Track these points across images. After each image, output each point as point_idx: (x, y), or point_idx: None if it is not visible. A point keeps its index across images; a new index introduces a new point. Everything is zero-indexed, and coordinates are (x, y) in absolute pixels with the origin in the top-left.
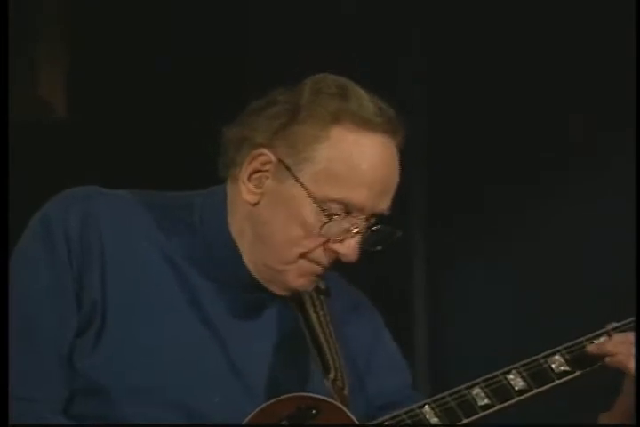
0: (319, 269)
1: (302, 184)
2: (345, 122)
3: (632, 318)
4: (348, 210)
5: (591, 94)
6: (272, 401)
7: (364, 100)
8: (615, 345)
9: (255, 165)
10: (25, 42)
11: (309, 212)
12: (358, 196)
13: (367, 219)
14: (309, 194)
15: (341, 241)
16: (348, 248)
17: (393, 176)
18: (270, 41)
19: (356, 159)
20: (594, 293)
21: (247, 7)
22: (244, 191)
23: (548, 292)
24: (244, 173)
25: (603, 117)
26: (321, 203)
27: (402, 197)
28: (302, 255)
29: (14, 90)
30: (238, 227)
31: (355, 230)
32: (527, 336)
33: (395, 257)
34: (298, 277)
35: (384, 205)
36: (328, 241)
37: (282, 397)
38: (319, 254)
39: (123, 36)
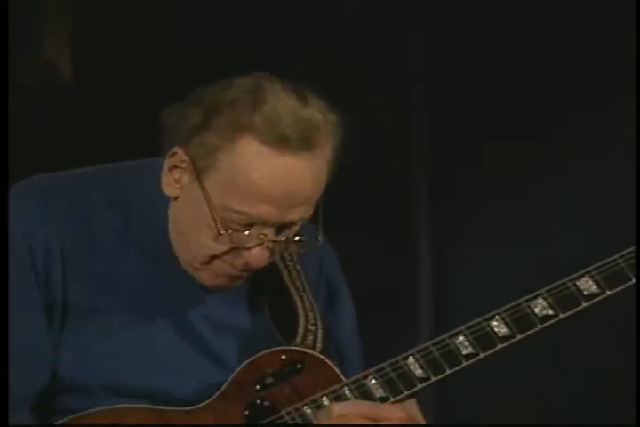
0: (235, 272)
1: (205, 190)
2: (250, 136)
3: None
4: (252, 222)
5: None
6: (256, 356)
7: (279, 113)
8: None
9: (172, 160)
10: (29, 10)
11: (212, 219)
12: (257, 211)
13: (278, 229)
14: (209, 202)
15: (249, 249)
16: (255, 258)
17: (303, 191)
18: (270, 41)
19: (255, 175)
20: (594, 250)
21: (247, 7)
22: (163, 184)
23: (548, 251)
24: (165, 166)
25: (603, 74)
26: (223, 212)
27: (405, 158)
28: (214, 257)
29: (20, 55)
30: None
31: (259, 242)
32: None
33: (397, 220)
34: (213, 277)
35: (294, 216)
36: (234, 247)
37: (266, 351)
38: (231, 258)
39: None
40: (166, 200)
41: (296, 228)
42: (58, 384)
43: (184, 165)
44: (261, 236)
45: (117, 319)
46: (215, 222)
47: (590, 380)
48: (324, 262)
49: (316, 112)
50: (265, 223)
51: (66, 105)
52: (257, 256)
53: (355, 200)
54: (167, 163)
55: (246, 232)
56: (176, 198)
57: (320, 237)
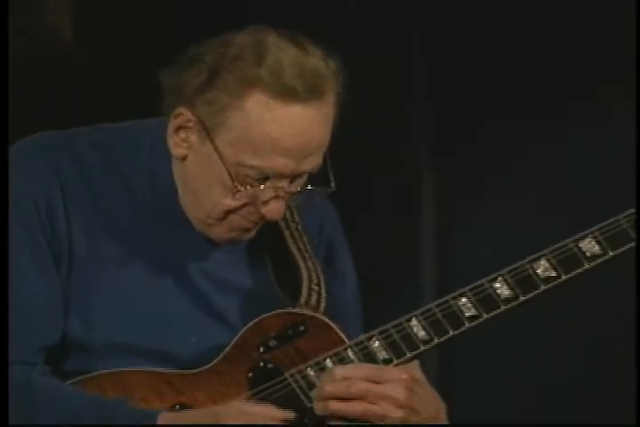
0: (250, 224)
1: (217, 148)
2: (259, 91)
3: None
4: (266, 176)
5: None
6: (259, 318)
7: (283, 65)
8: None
9: (178, 121)
10: None
11: (226, 175)
12: (273, 164)
13: (291, 180)
14: (223, 160)
15: (264, 203)
16: (271, 211)
17: (315, 140)
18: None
19: (268, 128)
20: (594, 216)
21: (247, 7)
22: (171, 144)
23: (549, 220)
24: (170, 128)
25: (603, 47)
26: (237, 168)
27: (407, 126)
28: (229, 212)
29: (21, 18)
30: (178, 175)
31: (275, 194)
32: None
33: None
34: (228, 231)
35: (307, 167)
36: (251, 201)
37: (269, 314)
38: (246, 212)
39: None
40: (168, 158)
41: (305, 177)
42: (66, 344)
43: (191, 125)
44: (277, 189)
45: (120, 276)
46: (232, 180)
47: (590, 352)
48: (324, 223)
49: (318, 60)
50: (280, 176)
51: (66, 66)
52: (274, 209)
53: (356, 168)
54: (173, 124)
55: (262, 186)
56: (184, 158)
57: (332, 184)
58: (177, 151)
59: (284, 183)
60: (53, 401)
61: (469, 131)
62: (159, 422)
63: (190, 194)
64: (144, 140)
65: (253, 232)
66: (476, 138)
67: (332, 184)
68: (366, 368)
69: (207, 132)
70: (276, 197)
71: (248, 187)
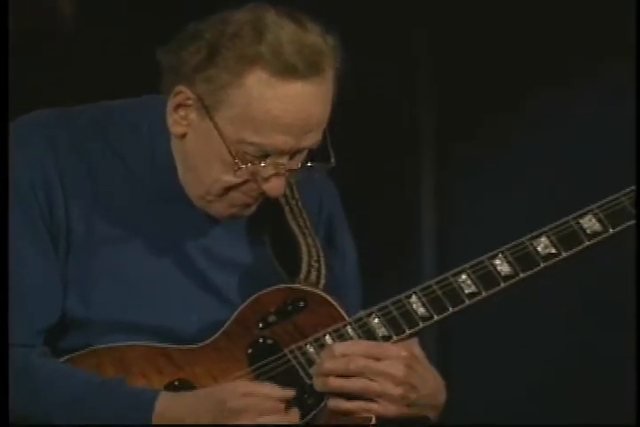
0: (251, 200)
1: (217, 126)
2: (259, 68)
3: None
4: (267, 153)
5: None
6: (259, 294)
7: (283, 42)
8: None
9: (177, 99)
10: None
11: (226, 153)
12: (274, 141)
13: (291, 157)
14: (223, 137)
15: (265, 179)
16: (272, 188)
17: (315, 116)
18: None
19: (269, 105)
20: (594, 188)
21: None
22: (170, 122)
23: (550, 197)
24: (169, 105)
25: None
26: (237, 145)
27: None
28: (229, 188)
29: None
30: (177, 153)
31: (276, 171)
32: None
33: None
34: (228, 207)
35: (307, 143)
36: (252, 178)
37: (268, 289)
38: (247, 188)
39: None
40: (167, 136)
41: (305, 154)
42: (65, 321)
43: (190, 103)
44: (278, 165)
45: (119, 254)
46: (233, 157)
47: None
48: (324, 200)
49: (317, 36)
50: (280, 153)
51: (67, 43)
52: (275, 186)
53: (357, 140)
54: (172, 102)
55: (262, 164)
56: (183, 136)
57: (332, 159)
58: (176, 129)
59: (284, 160)
60: (52, 383)
61: (472, 104)
62: (158, 403)
63: (190, 171)
64: (143, 118)
65: (254, 208)
66: (479, 113)
67: (332, 160)
68: (365, 345)
69: (207, 109)
70: (277, 173)
71: (249, 164)
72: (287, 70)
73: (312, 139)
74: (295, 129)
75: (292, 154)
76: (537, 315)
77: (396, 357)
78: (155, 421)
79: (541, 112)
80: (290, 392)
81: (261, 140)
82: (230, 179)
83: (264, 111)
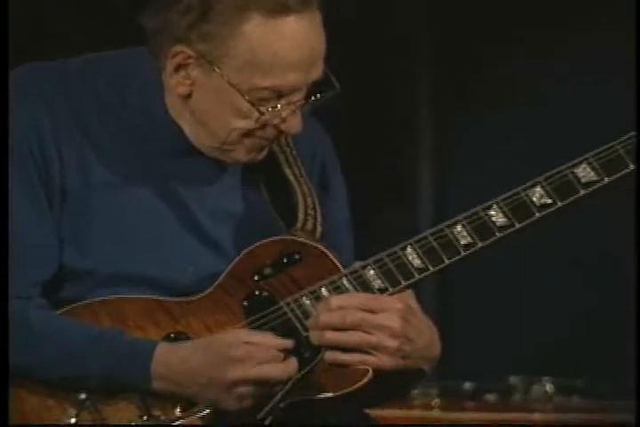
0: (266, 143)
1: (226, 78)
2: (254, 12)
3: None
4: (280, 93)
5: None
6: (254, 246)
7: None
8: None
9: (177, 60)
10: None
11: (240, 103)
12: (287, 80)
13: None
14: (235, 87)
15: (283, 120)
16: (292, 127)
17: (316, 49)
18: None
19: (275, 47)
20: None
21: None
22: (173, 84)
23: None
24: (169, 67)
25: None
26: (250, 92)
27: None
28: (245, 135)
29: None
30: (177, 109)
31: (293, 108)
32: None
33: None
34: (246, 153)
35: (315, 75)
36: (269, 121)
37: (263, 241)
38: (263, 132)
39: None
40: (161, 92)
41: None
42: (62, 273)
43: (190, 62)
44: (294, 103)
45: (114, 205)
46: (252, 105)
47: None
48: (318, 149)
49: None
50: (293, 90)
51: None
52: (294, 124)
53: (357, 93)
54: (171, 63)
55: (278, 106)
56: (189, 96)
57: (336, 85)
58: (180, 90)
59: (299, 97)
60: (50, 334)
61: (470, 51)
62: (157, 353)
63: (201, 126)
64: (132, 70)
65: (267, 149)
66: (478, 60)
67: (336, 85)
68: (361, 297)
69: (211, 65)
70: (293, 112)
71: (269, 109)
72: (280, 9)
73: (318, 70)
74: (303, 64)
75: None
76: (536, 266)
77: (392, 309)
78: (153, 371)
79: (541, 59)
80: (289, 342)
81: (274, 83)
82: (248, 126)
83: (271, 54)
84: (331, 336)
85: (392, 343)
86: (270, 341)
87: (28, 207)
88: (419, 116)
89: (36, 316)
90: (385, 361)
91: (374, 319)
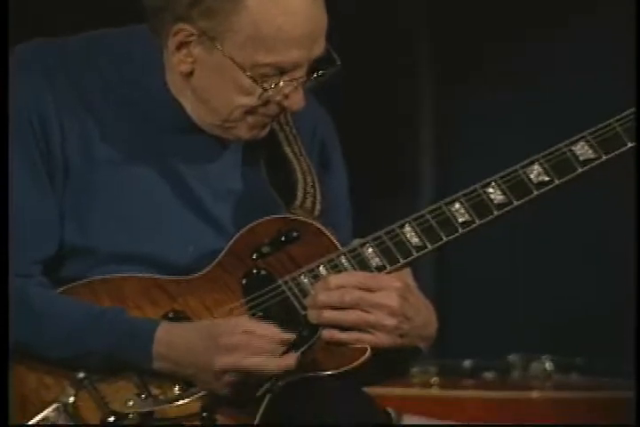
0: (269, 120)
1: (228, 55)
2: None
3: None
4: (283, 70)
5: None
6: (252, 225)
7: None
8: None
9: (178, 38)
10: None
11: (243, 79)
12: (289, 57)
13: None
14: (237, 64)
15: (285, 96)
16: (294, 103)
17: (319, 24)
18: None
19: (279, 22)
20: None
21: None
22: (175, 62)
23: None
24: (171, 46)
25: None
26: (252, 69)
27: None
28: (248, 112)
29: None
30: (178, 87)
31: (294, 86)
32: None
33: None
34: (248, 130)
35: (317, 52)
36: (272, 98)
37: (262, 219)
38: (265, 109)
39: None
40: (160, 67)
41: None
42: (63, 251)
43: (192, 39)
44: (296, 80)
45: (116, 183)
46: (255, 82)
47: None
48: (318, 127)
49: None
50: (295, 67)
51: None
52: (296, 101)
53: (357, 72)
54: (173, 42)
55: (281, 82)
56: (191, 73)
57: (337, 60)
58: (183, 68)
59: (301, 73)
60: (51, 312)
61: (471, 32)
62: (159, 333)
63: (203, 104)
64: (134, 48)
65: (269, 127)
66: (479, 40)
67: (338, 61)
68: (360, 276)
69: (214, 41)
70: (295, 88)
71: (273, 85)
72: None
73: (321, 46)
74: (306, 39)
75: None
76: (535, 244)
77: (391, 288)
78: (154, 350)
79: (541, 40)
80: (291, 336)
81: (276, 59)
82: (250, 103)
83: (275, 29)
84: (328, 315)
85: (390, 322)
86: (272, 333)
87: (29, 184)
88: (420, 98)
89: (37, 294)
90: (383, 339)
91: (372, 298)
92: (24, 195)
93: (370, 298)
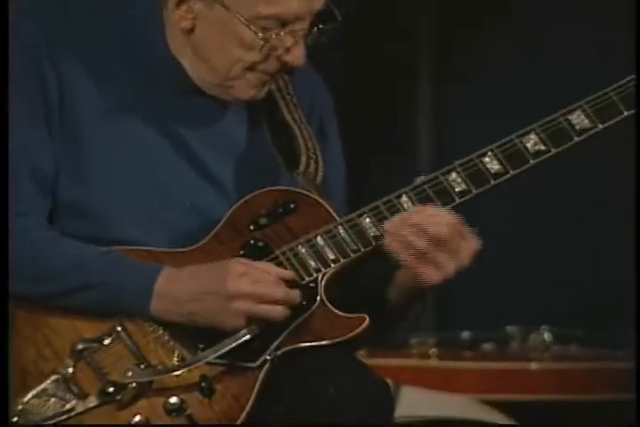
0: (268, 78)
1: (228, 8)
2: None
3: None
4: (284, 22)
5: None
6: (250, 196)
7: None
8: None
9: None
10: None
11: (244, 33)
12: (290, 8)
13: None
14: (238, 17)
15: (286, 51)
16: (296, 57)
17: None
18: None
19: None
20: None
21: None
22: (176, 19)
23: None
24: (171, 2)
25: None
26: (253, 22)
27: None
28: (248, 69)
29: None
30: (178, 45)
31: (295, 40)
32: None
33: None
34: (248, 89)
35: (317, 4)
36: (273, 52)
37: (259, 191)
38: (265, 65)
39: None
40: (160, 25)
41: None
42: (65, 208)
43: None
44: (296, 32)
45: (115, 137)
46: (255, 32)
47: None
48: (316, 98)
49: None
50: (296, 19)
51: None
52: (298, 55)
53: (353, 36)
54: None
55: (282, 33)
56: (192, 30)
57: (338, 16)
58: (183, 24)
59: (302, 25)
60: (54, 242)
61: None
62: (161, 276)
63: (202, 62)
64: (137, 7)
65: (268, 87)
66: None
67: (339, 16)
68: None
69: None
70: (296, 42)
71: (273, 35)
72: None
73: (321, 0)
74: None
75: (307, 19)
76: (534, 215)
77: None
78: (157, 286)
79: (538, 12)
80: (288, 273)
81: (277, 10)
82: (251, 57)
83: None
84: (413, 238)
85: (451, 267)
86: (269, 267)
87: (29, 131)
88: (420, 69)
89: (38, 232)
90: (435, 277)
91: (452, 244)
92: (23, 142)
93: (451, 243)
